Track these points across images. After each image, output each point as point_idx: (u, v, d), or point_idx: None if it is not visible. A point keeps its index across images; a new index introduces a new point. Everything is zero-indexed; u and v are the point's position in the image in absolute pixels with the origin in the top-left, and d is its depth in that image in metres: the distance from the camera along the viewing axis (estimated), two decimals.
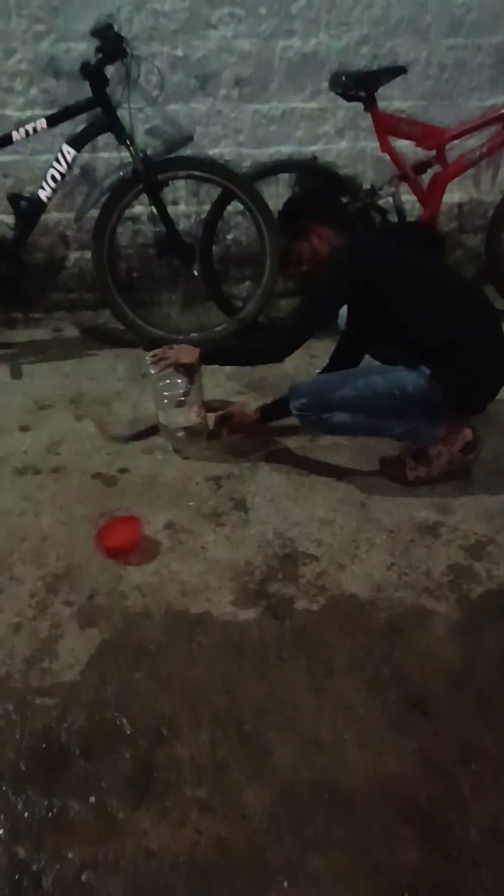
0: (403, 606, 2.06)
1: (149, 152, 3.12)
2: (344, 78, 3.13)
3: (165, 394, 2.63)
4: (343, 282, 2.36)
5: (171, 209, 3.30)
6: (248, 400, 3.00)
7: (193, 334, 3.41)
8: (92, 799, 1.59)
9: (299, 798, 1.59)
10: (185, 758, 1.67)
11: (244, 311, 3.39)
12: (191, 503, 2.47)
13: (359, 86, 3.12)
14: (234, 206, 3.41)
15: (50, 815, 1.56)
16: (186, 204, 3.61)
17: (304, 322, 2.40)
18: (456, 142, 3.25)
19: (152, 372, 2.59)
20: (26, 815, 1.57)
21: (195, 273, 3.38)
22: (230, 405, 2.80)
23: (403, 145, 3.33)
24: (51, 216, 3.44)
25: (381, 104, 3.25)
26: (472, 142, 3.29)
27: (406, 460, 2.51)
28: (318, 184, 3.33)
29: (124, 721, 1.76)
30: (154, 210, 3.19)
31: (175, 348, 2.59)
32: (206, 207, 3.55)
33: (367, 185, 3.53)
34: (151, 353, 2.62)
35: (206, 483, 2.56)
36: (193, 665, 1.90)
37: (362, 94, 3.15)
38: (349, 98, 3.18)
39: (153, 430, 2.78)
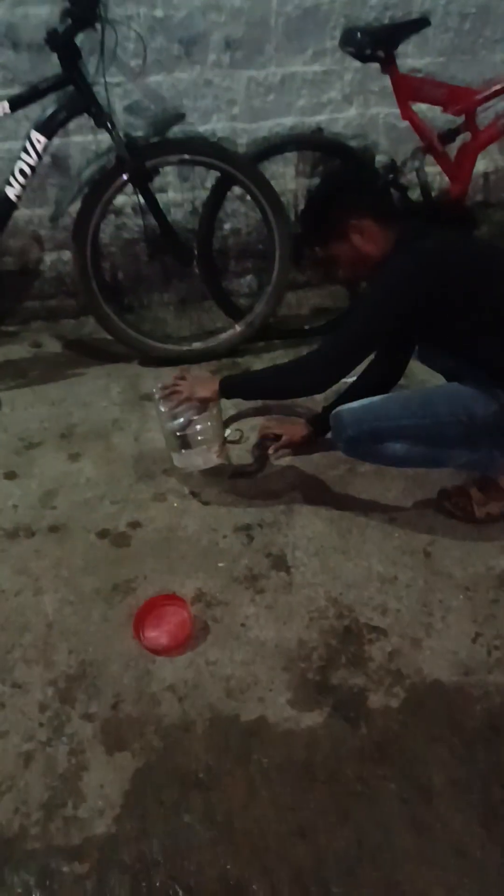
0: (501, 694, 1.68)
1: (133, 135, 2.64)
2: (359, 35, 2.65)
3: (179, 434, 2.19)
4: (406, 300, 1.89)
5: (159, 198, 2.82)
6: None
7: (196, 343, 2.97)
8: None
9: None
10: None
11: (253, 313, 2.94)
12: (221, 564, 2.06)
13: (376, 43, 2.65)
14: (231, 192, 2.96)
15: None
16: (175, 191, 3.13)
17: (355, 347, 1.94)
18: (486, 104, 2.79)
19: (162, 410, 2.16)
20: None
21: (195, 271, 2.92)
22: (272, 422, 2.42)
23: (420, 111, 2.86)
24: (20, 213, 2.94)
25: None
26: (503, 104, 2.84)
27: (472, 493, 2.11)
28: (343, 167, 2.85)
29: (179, 891, 1.38)
30: (143, 202, 2.72)
31: (189, 378, 2.15)
32: (199, 194, 3.09)
33: (381, 158, 3.09)
34: (160, 386, 2.19)
35: (235, 535, 2.15)
36: (255, 798, 1.52)
37: (380, 52, 2.67)
38: (364, 58, 2.71)
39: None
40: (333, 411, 2.10)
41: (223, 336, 2.96)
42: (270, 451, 2.33)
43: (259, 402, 2.64)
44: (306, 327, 3.12)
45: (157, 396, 2.20)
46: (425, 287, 1.89)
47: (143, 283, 3.29)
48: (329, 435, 2.21)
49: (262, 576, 2.02)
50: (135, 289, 3.29)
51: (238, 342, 2.97)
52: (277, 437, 2.38)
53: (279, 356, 3.00)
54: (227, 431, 2.40)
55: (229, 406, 2.54)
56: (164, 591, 1.96)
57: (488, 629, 1.83)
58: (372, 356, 2.20)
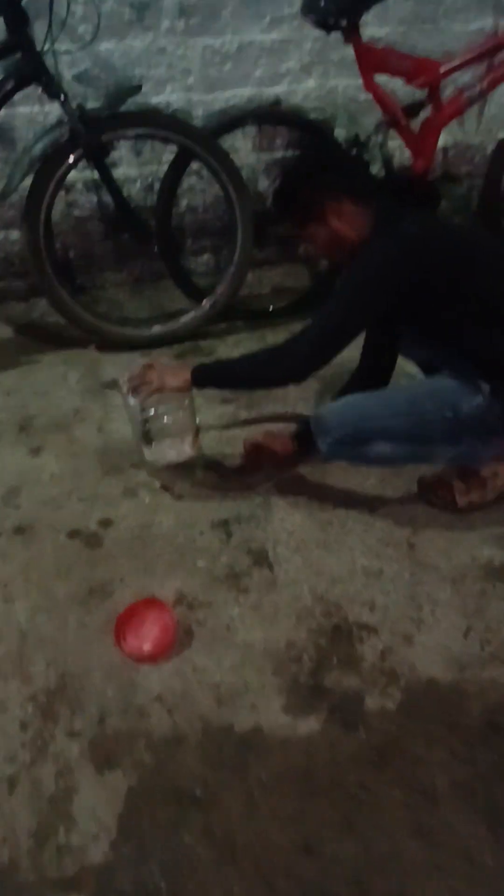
0: (497, 690, 1.65)
1: (86, 106, 2.49)
2: (322, 2, 2.54)
3: (149, 427, 2.09)
4: (388, 284, 1.82)
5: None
6: (236, 411, 2.51)
7: (156, 326, 2.85)
8: None
9: None
10: None
11: (215, 293, 2.83)
12: (200, 563, 1.99)
13: (340, 11, 2.54)
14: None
15: None
16: (129, 166, 2.98)
17: (336, 333, 1.87)
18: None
19: (131, 402, 2.05)
20: None
21: (153, 250, 2.80)
22: (259, 434, 2.25)
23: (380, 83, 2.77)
24: None
25: None
26: (466, 77, 2.78)
27: (453, 483, 2.08)
28: (320, 144, 2.74)
29: None
30: (98, 178, 2.59)
31: (157, 368, 2.05)
32: (153, 169, 2.96)
33: (340, 131, 3.00)
34: (128, 377, 2.08)
35: (213, 531, 2.08)
36: (255, 813, 1.46)
37: (343, 21, 2.57)
38: (328, 27, 2.61)
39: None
40: (314, 412, 2.03)
41: (184, 318, 2.85)
42: (250, 467, 2.21)
43: None
44: (270, 308, 3.03)
45: (124, 388, 2.09)
46: (408, 272, 1.83)
47: (96, 263, 3.15)
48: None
49: (244, 574, 1.95)
50: (87, 269, 3.14)
51: (200, 324, 2.86)
52: (262, 450, 2.20)
53: (243, 338, 2.91)
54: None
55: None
56: (143, 594, 1.88)
57: (478, 622, 1.80)
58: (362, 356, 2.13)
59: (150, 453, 2.17)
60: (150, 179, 3.00)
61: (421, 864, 1.37)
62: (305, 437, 2.10)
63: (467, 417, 1.89)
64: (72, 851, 1.41)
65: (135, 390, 2.05)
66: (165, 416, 2.10)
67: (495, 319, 1.82)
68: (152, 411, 2.08)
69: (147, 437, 2.14)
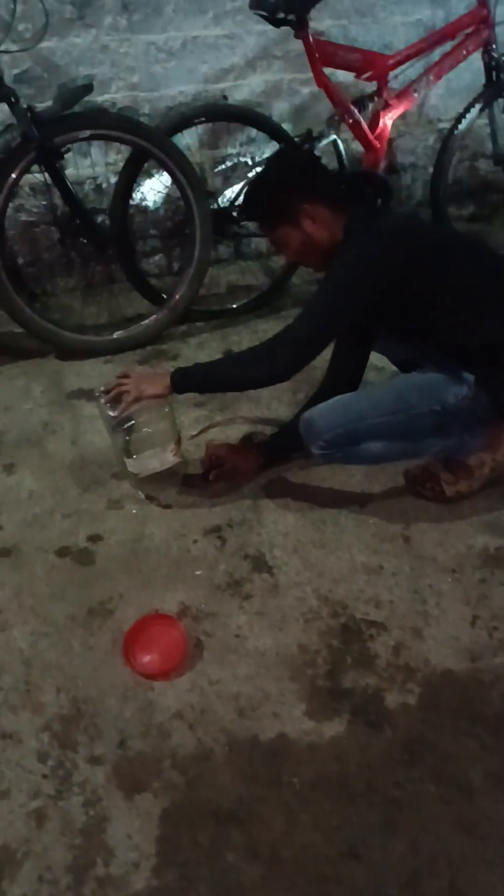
0: None
1: (36, 108, 2.40)
2: None
3: (129, 438, 2.04)
4: (370, 281, 1.83)
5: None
6: (210, 415, 2.47)
7: (118, 332, 2.78)
8: None
9: None
10: None
11: (175, 296, 2.77)
12: (198, 572, 1.95)
13: (290, 6, 2.52)
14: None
15: None
16: (76, 167, 2.89)
17: (318, 333, 1.86)
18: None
19: (112, 415, 1.98)
20: None
21: (112, 253, 2.73)
22: (216, 444, 2.23)
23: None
24: None
25: None
26: (409, 70, 2.81)
27: (440, 473, 2.10)
28: (294, 148, 2.70)
29: None
30: (51, 182, 2.50)
31: (134, 377, 1.99)
32: (101, 170, 2.88)
33: (287, 126, 2.99)
34: (103, 388, 2.02)
35: (206, 539, 2.04)
36: (296, 823, 1.44)
37: (291, 16, 2.56)
38: (277, 22, 2.58)
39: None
40: (303, 416, 2.01)
41: (146, 322, 2.79)
42: (211, 477, 2.18)
43: None
44: (234, 306, 2.99)
45: (101, 400, 2.03)
46: (387, 268, 1.85)
47: (45, 269, 3.04)
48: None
49: (244, 580, 1.92)
50: (37, 276, 3.04)
51: (162, 327, 2.80)
52: (221, 464, 2.18)
53: (205, 339, 2.87)
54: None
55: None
56: (145, 609, 1.83)
57: (483, 610, 1.82)
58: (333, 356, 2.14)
59: (132, 465, 2.11)
60: (98, 181, 2.92)
61: (469, 857, 1.38)
62: (276, 447, 2.10)
63: (455, 409, 1.91)
64: (113, 883, 1.36)
65: (113, 402, 1.99)
66: (146, 427, 2.05)
67: (473, 309, 1.85)
68: (132, 422, 2.02)
69: (128, 449, 2.08)
